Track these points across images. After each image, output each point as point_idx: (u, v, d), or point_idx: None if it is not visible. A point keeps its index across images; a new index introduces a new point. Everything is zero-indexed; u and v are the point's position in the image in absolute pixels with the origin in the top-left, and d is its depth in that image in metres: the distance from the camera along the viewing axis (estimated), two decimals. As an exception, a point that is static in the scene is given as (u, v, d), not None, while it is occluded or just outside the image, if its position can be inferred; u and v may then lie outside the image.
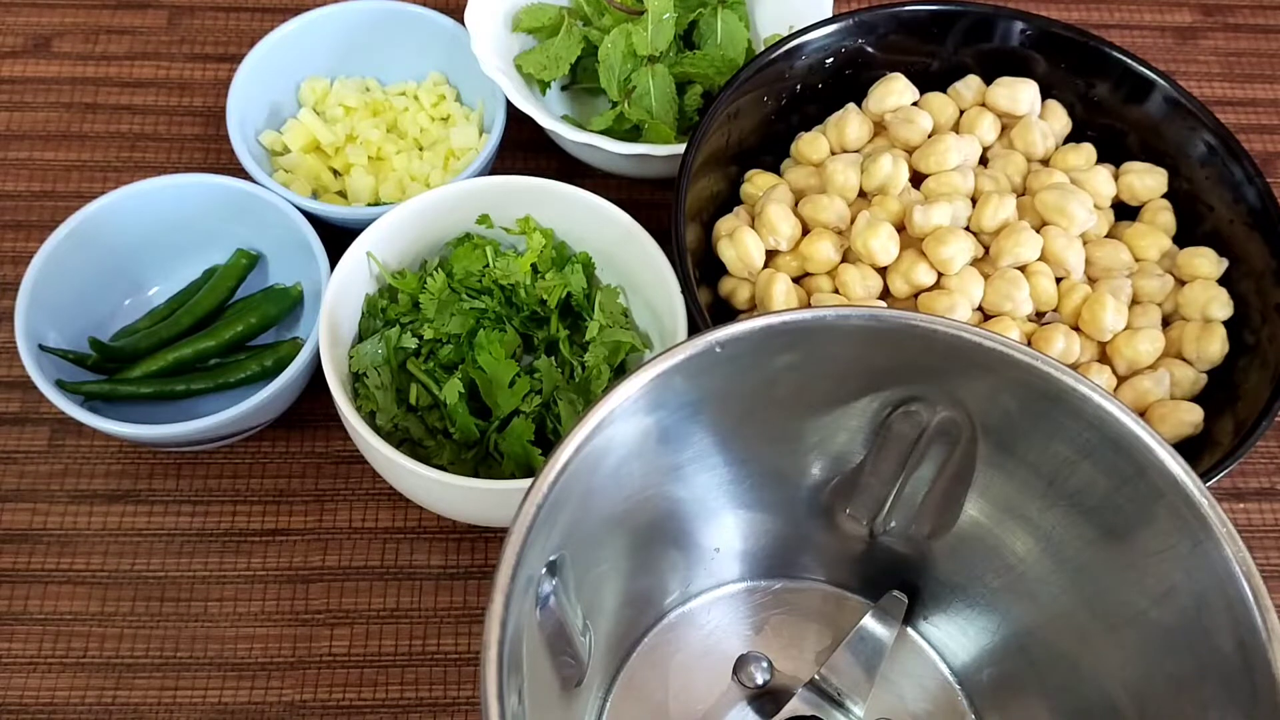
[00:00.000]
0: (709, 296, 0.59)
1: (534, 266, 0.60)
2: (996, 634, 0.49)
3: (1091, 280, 0.57)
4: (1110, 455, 0.41)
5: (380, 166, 0.68)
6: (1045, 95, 0.61)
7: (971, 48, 0.62)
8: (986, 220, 0.56)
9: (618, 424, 0.40)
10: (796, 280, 0.57)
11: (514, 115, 0.65)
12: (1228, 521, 0.39)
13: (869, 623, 0.50)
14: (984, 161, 0.60)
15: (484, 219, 0.60)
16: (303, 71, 0.69)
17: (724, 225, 0.59)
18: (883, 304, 0.56)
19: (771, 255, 0.58)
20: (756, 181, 0.61)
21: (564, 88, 0.72)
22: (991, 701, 0.50)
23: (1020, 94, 0.60)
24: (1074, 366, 0.53)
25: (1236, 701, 0.38)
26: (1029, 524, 0.46)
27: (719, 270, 0.59)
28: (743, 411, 0.45)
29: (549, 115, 0.64)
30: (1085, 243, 0.57)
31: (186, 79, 0.74)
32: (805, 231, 0.57)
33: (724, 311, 0.59)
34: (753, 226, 0.58)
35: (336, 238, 0.60)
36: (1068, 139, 0.62)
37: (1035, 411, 0.42)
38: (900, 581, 0.51)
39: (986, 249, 0.56)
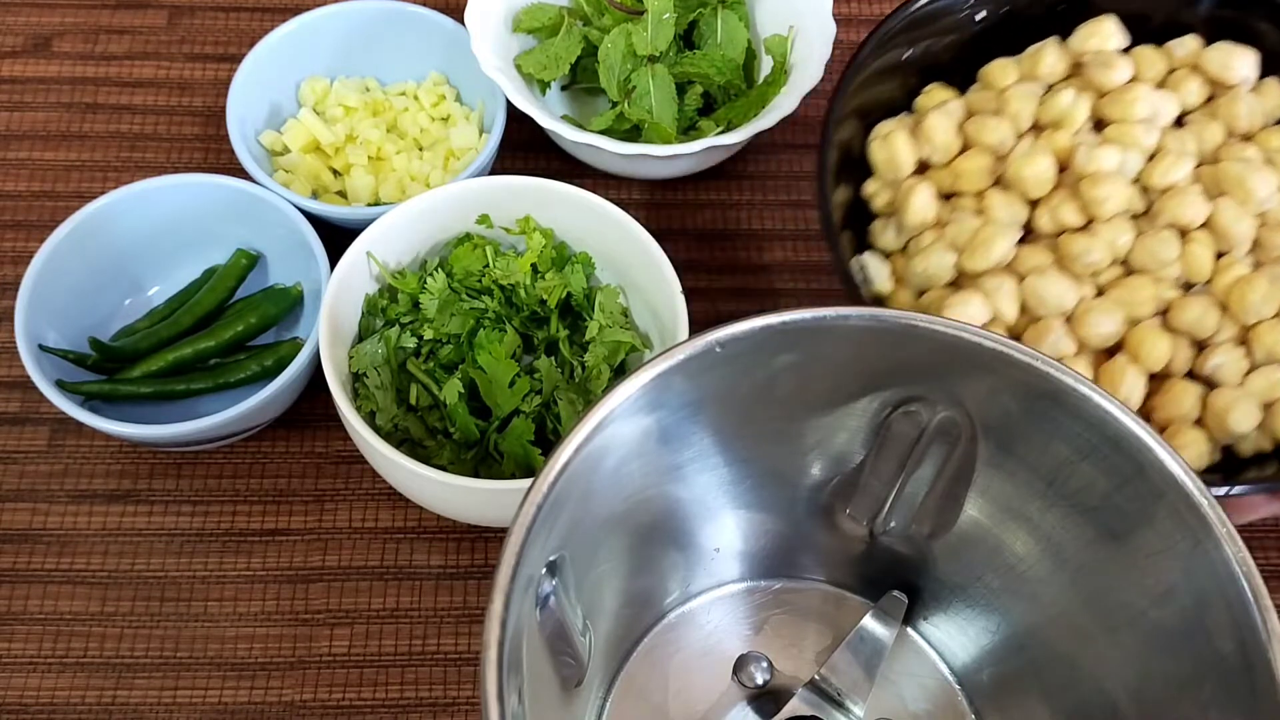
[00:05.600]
0: (849, 195, 0.57)
1: (534, 266, 0.60)
2: (997, 634, 0.49)
3: (1258, 266, 0.53)
4: (1110, 455, 0.41)
5: (380, 166, 0.68)
6: (1268, 72, 0.58)
7: (1200, 7, 0.59)
8: (1157, 176, 0.53)
9: (618, 424, 0.40)
10: (944, 199, 0.56)
11: (514, 115, 0.65)
12: (1228, 521, 0.39)
13: (869, 623, 0.50)
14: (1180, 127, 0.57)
15: (484, 219, 0.60)
16: (303, 71, 0.69)
17: (882, 127, 0.58)
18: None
19: (925, 168, 0.56)
20: (933, 95, 0.59)
21: (564, 88, 0.72)
22: (991, 701, 0.50)
23: (1235, 61, 0.56)
24: (1205, 341, 0.52)
25: (1236, 701, 0.38)
26: (1029, 524, 0.46)
27: (868, 175, 0.58)
28: (743, 411, 0.45)
29: (549, 115, 0.64)
30: (1261, 225, 0.53)
31: (186, 79, 0.74)
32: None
33: (861, 213, 0.58)
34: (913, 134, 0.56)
35: (336, 238, 0.60)
36: None
37: (1035, 411, 0.42)
38: (900, 581, 0.51)
39: (1149, 212, 0.54)
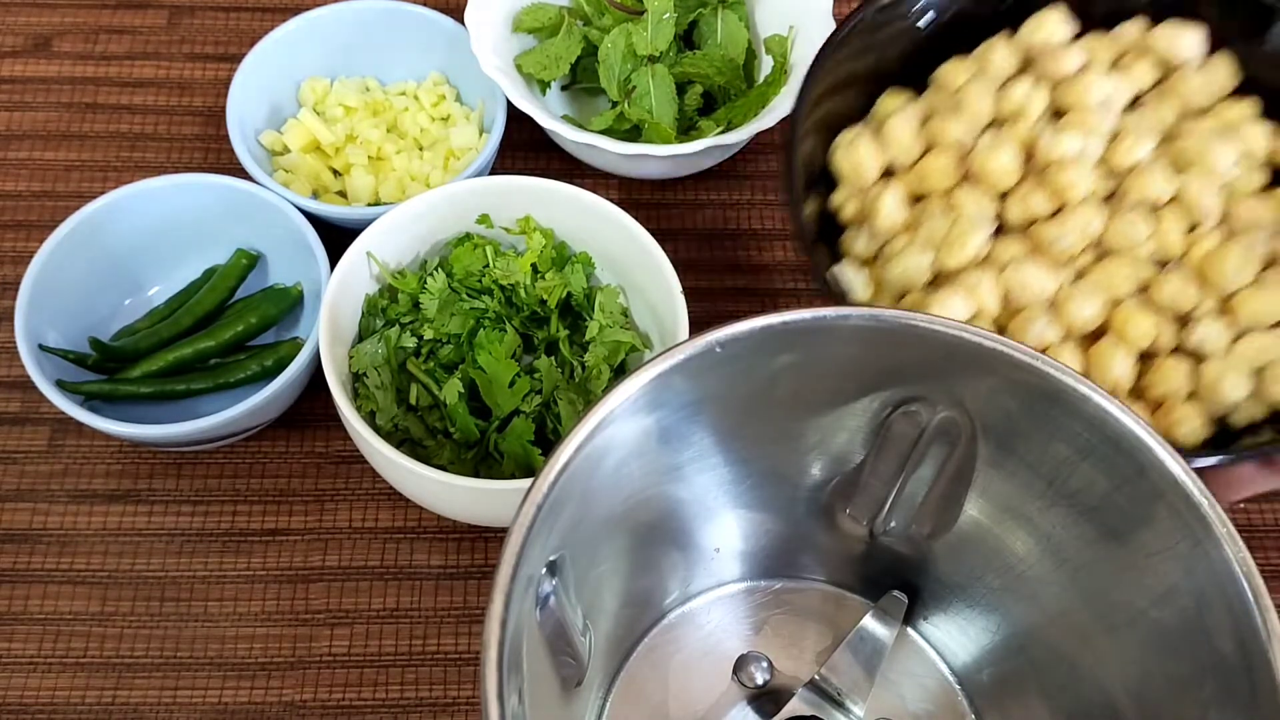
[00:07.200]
0: (818, 206, 0.57)
1: (534, 266, 0.60)
2: (997, 634, 0.49)
3: (1230, 235, 0.53)
4: (1110, 455, 0.41)
5: (380, 166, 0.68)
6: (1216, 47, 0.58)
7: None
8: (1120, 157, 0.53)
9: (618, 424, 0.40)
10: (912, 202, 0.56)
11: (514, 115, 0.65)
12: (1228, 521, 0.39)
13: (869, 623, 0.50)
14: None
15: (484, 219, 0.60)
16: (303, 71, 0.69)
17: (845, 136, 0.58)
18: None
19: (890, 174, 0.56)
20: (889, 100, 0.59)
21: (564, 88, 0.72)
22: (991, 701, 0.50)
23: (1182, 39, 0.56)
24: (1188, 316, 0.52)
25: (1236, 701, 0.38)
26: (1029, 524, 0.46)
27: (835, 186, 0.58)
28: (743, 411, 0.45)
29: (549, 115, 0.64)
30: (1227, 195, 0.54)
31: (186, 79, 0.74)
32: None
33: (830, 226, 0.58)
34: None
35: (336, 238, 0.60)
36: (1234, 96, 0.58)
37: (1035, 411, 0.42)
38: (900, 581, 0.51)
39: (1116, 193, 0.54)
